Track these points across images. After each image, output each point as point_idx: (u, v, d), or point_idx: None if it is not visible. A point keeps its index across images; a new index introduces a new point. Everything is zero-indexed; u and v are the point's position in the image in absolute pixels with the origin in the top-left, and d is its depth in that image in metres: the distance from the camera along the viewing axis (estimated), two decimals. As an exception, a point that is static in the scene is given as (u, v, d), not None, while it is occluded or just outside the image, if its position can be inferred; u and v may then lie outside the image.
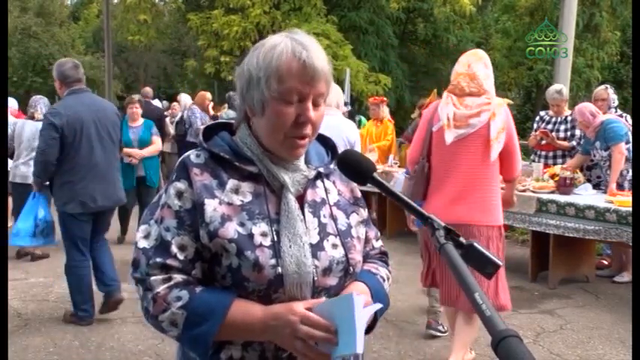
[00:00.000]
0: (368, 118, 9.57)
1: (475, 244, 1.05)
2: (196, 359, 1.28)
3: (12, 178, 6.21)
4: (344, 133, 3.90)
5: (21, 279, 5.46)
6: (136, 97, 7.44)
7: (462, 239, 1.06)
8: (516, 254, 5.50)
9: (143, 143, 6.69)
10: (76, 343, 4.12)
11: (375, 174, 1.22)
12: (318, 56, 1.22)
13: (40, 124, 6.23)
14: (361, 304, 1.13)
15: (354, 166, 1.25)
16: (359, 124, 9.13)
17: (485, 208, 3.34)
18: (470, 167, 3.35)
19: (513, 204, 3.81)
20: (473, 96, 3.38)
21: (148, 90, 10.80)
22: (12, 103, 7.53)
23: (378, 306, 1.25)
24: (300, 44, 1.22)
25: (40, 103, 6.57)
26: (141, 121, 6.80)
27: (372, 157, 7.91)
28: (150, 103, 9.78)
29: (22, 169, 6.16)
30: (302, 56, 1.20)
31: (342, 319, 1.12)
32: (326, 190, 1.36)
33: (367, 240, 1.44)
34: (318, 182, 1.36)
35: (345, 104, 9.38)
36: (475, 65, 3.41)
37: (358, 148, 4.31)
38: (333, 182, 1.40)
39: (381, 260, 1.47)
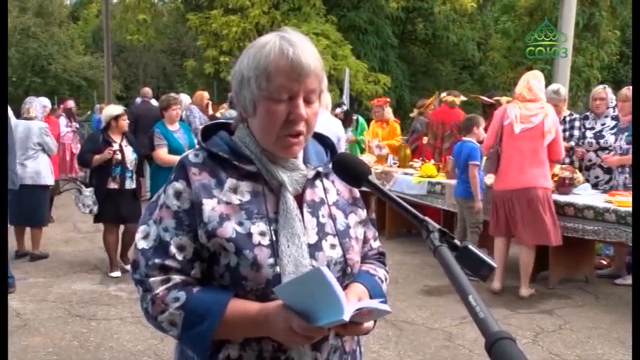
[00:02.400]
0: (366, 119, 9.54)
1: (469, 246, 1.04)
2: (194, 358, 1.28)
3: None
4: (332, 130, 4.71)
5: (20, 279, 5.46)
6: (174, 95, 6.65)
7: (456, 241, 1.06)
8: (515, 254, 5.50)
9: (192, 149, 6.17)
10: (75, 343, 4.12)
11: (370, 177, 1.22)
12: (305, 52, 1.21)
13: (33, 123, 6.25)
14: (329, 271, 1.09)
15: (349, 169, 1.25)
16: (356, 124, 9.11)
17: (542, 176, 4.96)
18: (530, 149, 4.94)
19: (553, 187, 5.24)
20: (531, 102, 5.01)
21: (148, 90, 10.79)
22: (45, 102, 7.33)
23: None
24: (288, 42, 1.22)
25: (36, 102, 6.55)
26: (178, 124, 6.01)
27: (384, 152, 7.93)
28: (149, 103, 9.79)
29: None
30: (289, 53, 1.20)
31: (319, 292, 1.09)
32: (325, 189, 1.36)
33: (365, 240, 1.44)
34: (317, 182, 1.36)
35: (341, 105, 9.41)
36: (532, 81, 5.11)
37: (344, 143, 5.77)
38: (332, 182, 1.39)
39: (378, 261, 1.47)
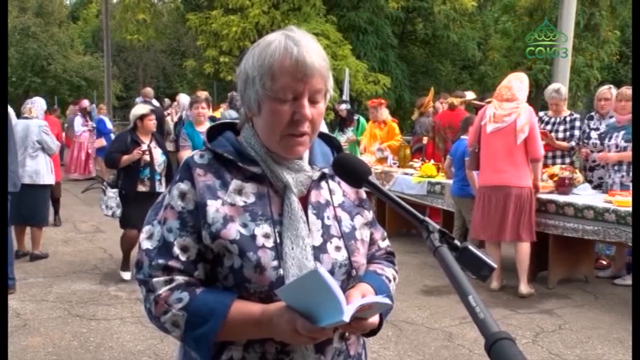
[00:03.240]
0: (366, 119, 9.55)
1: (469, 247, 1.04)
2: (197, 359, 1.28)
3: None
4: None
5: (20, 279, 5.45)
6: (203, 95, 6.17)
7: (456, 242, 1.06)
8: (514, 254, 5.50)
9: None
10: (74, 344, 4.12)
11: (370, 177, 1.21)
12: (310, 52, 1.20)
13: (32, 122, 6.24)
14: (327, 273, 1.09)
15: (349, 169, 1.24)
16: (357, 124, 9.11)
17: (516, 174, 5.03)
18: (504, 148, 5.03)
19: (539, 188, 5.23)
20: (509, 101, 5.09)
21: (149, 90, 10.80)
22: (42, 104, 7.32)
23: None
24: (293, 41, 1.21)
25: (37, 103, 6.55)
26: (208, 124, 5.56)
27: (386, 154, 7.92)
28: (150, 103, 9.78)
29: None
30: (294, 52, 1.19)
31: (318, 293, 1.09)
32: (330, 191, 1.35)
33: (373, 241, 1.43)
34: (323, 183, 1.35)
35: (346, 102, 9.40)
36: (513, 81, 5.20)
37: None
38: (338, 183, 1.38)
39: (387, 260, 1.46)
